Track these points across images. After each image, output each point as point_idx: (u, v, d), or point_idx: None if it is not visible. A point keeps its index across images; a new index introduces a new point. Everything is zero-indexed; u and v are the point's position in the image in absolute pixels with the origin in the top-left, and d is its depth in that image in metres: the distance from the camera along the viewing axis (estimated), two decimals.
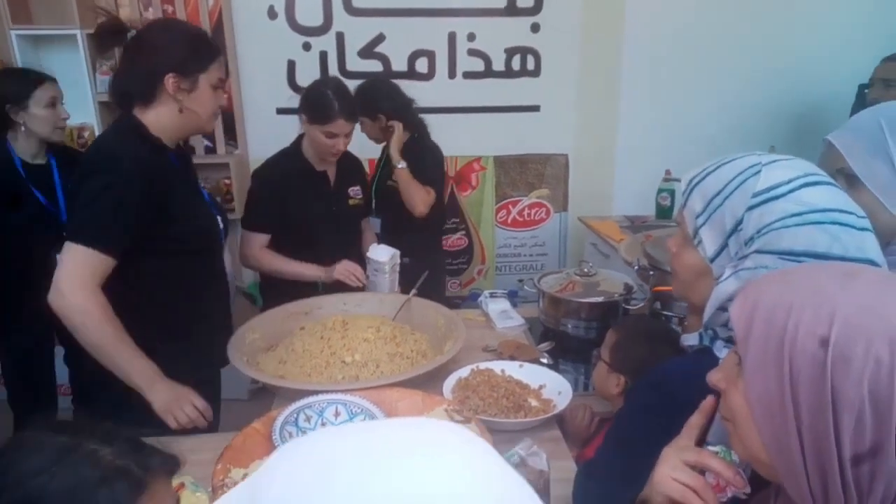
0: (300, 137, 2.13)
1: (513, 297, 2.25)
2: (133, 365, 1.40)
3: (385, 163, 2.53)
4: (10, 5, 2.77)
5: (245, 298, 3.07)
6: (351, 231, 2.21)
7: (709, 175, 0.90)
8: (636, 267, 1.85)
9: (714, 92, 3.33)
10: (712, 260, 0.89)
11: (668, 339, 1.50)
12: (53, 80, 2.36)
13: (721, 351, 0.87)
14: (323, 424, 1.35)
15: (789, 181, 0.83)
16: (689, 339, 0.94)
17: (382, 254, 2.03)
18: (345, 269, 2.02)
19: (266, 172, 2.13)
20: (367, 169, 2.62)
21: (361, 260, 2.12)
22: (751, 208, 0.84)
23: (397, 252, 2.07)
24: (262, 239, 2.08)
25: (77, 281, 1.36)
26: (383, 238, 2.32)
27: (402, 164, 2.33)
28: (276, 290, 2.07)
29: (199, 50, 1.49)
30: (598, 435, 1.52)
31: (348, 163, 2.21)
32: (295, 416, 1.34)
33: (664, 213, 3.21)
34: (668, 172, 3.20)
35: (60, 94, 2.37)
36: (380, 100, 2.40)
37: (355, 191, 2.22)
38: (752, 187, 0.85)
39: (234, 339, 1.64)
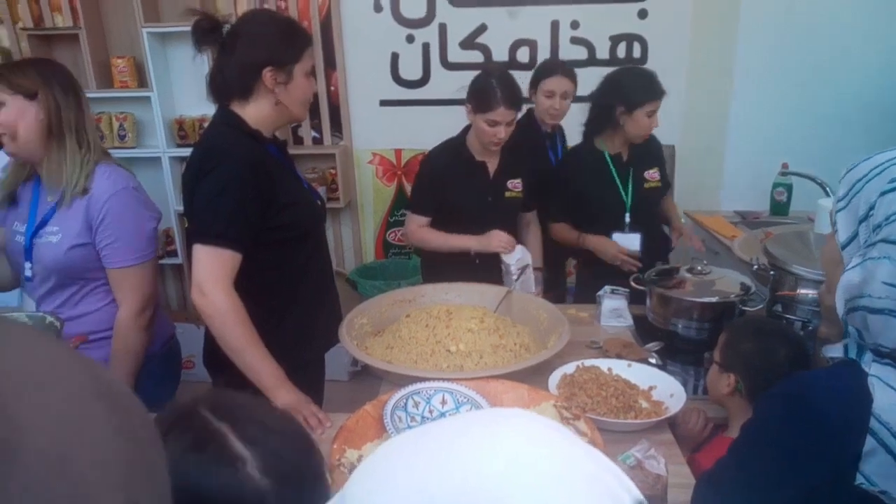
0: (467, 128, 2.20)
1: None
2: (264, 366, 1.45)
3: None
4: (144, 5, 2.98)
5: (347, 284, 3.18)
6: (505, 221, 2.21)
7: (862, 162, 0.85)
8: (755, 266, 1.75)
9: (836, 83, 3.08)
10: (843, 247, 0.84)
11: (781, 334, 1.41)
12: None
13: (870, 366, 0.80)
14: (430, 411, 1.37)
15: None
16: (832, 351, 0.87)
17: (512, 255, 2.04)
18: (499, 239, 2.07)
19: (431, 159, 2.24)
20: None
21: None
22: (884, 193, 0.78)
23: (527, 254, 2.09)
24: (421, 220, 2.20)
25: (216, 280, 1.42)
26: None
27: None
28: (436, 269, 2.19)
29: (292, 40, 1.50)
30: (712, 440, 1.46)
31: (515, 156, 2.24)
32: (405, 401, 1.37)
33: (779, 208, 3.01)
34: (784, 165, 3.00)
35: None
36: None
37: (514, 183, 2.23)
38: (892, 173, 0.79)
39: (345, 322, 1.70)
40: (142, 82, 3.16)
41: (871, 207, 0.79)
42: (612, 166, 2.30)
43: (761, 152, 3.09)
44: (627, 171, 2.32)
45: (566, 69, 2.48)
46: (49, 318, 1.30)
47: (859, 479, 0.74)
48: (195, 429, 0.70)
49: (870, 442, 0.74)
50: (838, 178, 0.89)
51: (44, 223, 1.57)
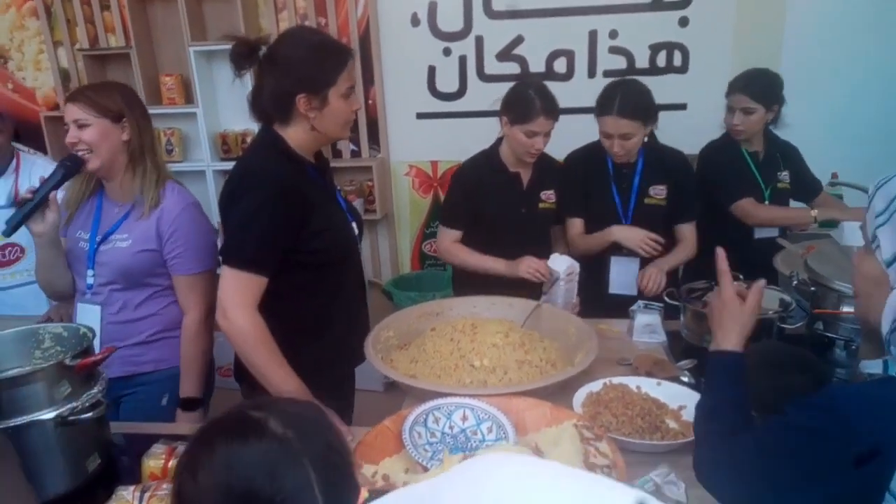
0: (499, 140, 2.20)
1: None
2: (286, 384, 1.47)
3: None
4: (191, 25, 3.10)
5: (383, 296, 3.20)
6: (538, 233, 2.21)
7: None
8: (794, 282, 1.68)
9: (887, 89, 2.96)
10: (889, 264, 0.81)
11: (800, 365, 1.34)
12: None
13: None
14: (451, 427, 1.36)
15: None
16: (871, 367, 0.84)
17: (559, 264, 2.01)
18: (528, 266, 2.02)
19: (463, 172, 2.24)
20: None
21: None
22: None
23: (575, 263, 2.03)
24: (454, 234, 2.19)
25: (239, 304, 1.45)
26: None
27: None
28: (468, 282, 2.17)
29: (325, 63, 1.48)
30: None
31: (547, 167, 2.23)
32: (424, 416, 1.36)
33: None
34: (834, 175, 2.87)
35: None
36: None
37: (548, 195, 2.22)
38: None
39: (371, 336, 1.71)
40: (188, 98, 3.28)
41: None
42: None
43: (809, 162, 2.96)
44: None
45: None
46: (83, 329, 1.36)
47: (889, 501, 0.71)
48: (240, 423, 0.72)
49: None
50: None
51: (112, 231, 1.71)
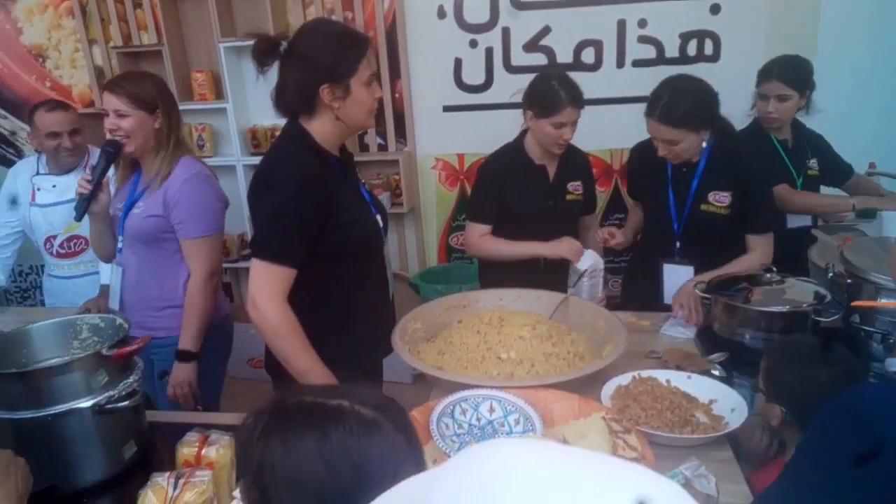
0: (523, 133, 2.19)
1: None
2: (315, 375, 1.49)
3: None
4: (220, 21, 3.14)
5: (410, 289, 3.22)
6: (566, 225, 2.18)
7: None
8: (830, 274, 1.64)
9: None
10: None
11: (821, 355, 1.31)
12: None
13: None
14: (478, 419, 1.36)
15: None
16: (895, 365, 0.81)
17: (584, 260, 2.00)
18: (570, 245, 2.03)
19: (488, 167, 2.23)
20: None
21: None
22: None
23: (600, 260, 2.02)
24: (483, 229, 2.18)
25: (269, 295, 1.48)
26: None
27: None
28: (494, 274, 2.16)
29: (345, 53, 1.49)
30: (777, 459, 1.37)
31: (573, 158, 2.22)
32: (451, 408, 1.37)
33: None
34: (871, 165, 2.79)
35: None
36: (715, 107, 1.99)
37: (575, 186, 2.21)
38: None
39: (399, 328, 1.72)
40: (219, 94, 3.32)
41: None
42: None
43: (846, 151, 2.87)
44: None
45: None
46: (119, 320, 1.39)
47: None
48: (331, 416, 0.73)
49: None
50: None
51: (135, 201, 1.92)
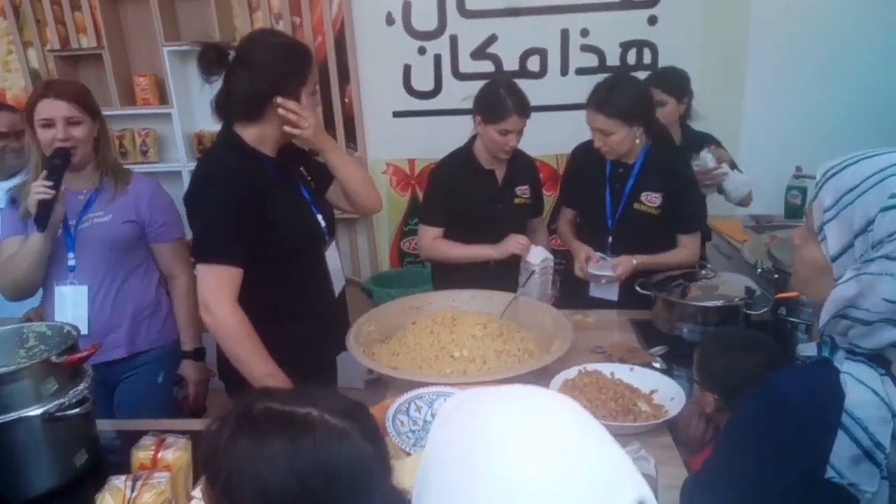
0: (473, 138, 2.24)
1: None
2: (269, 377, 1.49)
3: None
4: (164, 25, 3.09)
5: (363, 293, 3.23)
6: (515, 227, 2.23)
7: (846, 168, 0.84)
8: (759, 270, 1.76)
9: (851, 83, 3.06)
10: (834, 259, 0.84)
11: (752, 346, 1.43)
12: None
13: (843, 363, 0.82)
14: (432, 415, 1.40)
15: None
16: (807, 350, 0.89)
17: (534, 256, 2.07)
18: (516, 241, 2.10)
19: (439, 171, 2.28)
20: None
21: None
22: (885, 210, 0.78)
23: (550, 256, 2.10)
24: (435, 232, 2.23)
25: (221, 297, 1.49)
26: None
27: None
28: (447, 277, 2.21)
29: (296, 64, 1.56)
30: (712, 444, 1.47)
31: (520, 162, 2.28)
32: (407, 405, 1.41)
33: (794, 212, 2.99)
34: (798, 169, 2.99)
35: None
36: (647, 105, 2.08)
37: (523, 189, 2.28)
38: (891, 187, 0.78)
39: (353, 331, 1.74)
40: (163, 99, 3.26)
41: (871, 222, 0.79)
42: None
43: (775, 156, 3.07)
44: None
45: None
46: (67, 328, 1.37)
47: (830, 473, 0.77)
48: (286, 420, 0.72)
49: (841, 436, 0.76)
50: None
51: (84, 212, 1.81)
